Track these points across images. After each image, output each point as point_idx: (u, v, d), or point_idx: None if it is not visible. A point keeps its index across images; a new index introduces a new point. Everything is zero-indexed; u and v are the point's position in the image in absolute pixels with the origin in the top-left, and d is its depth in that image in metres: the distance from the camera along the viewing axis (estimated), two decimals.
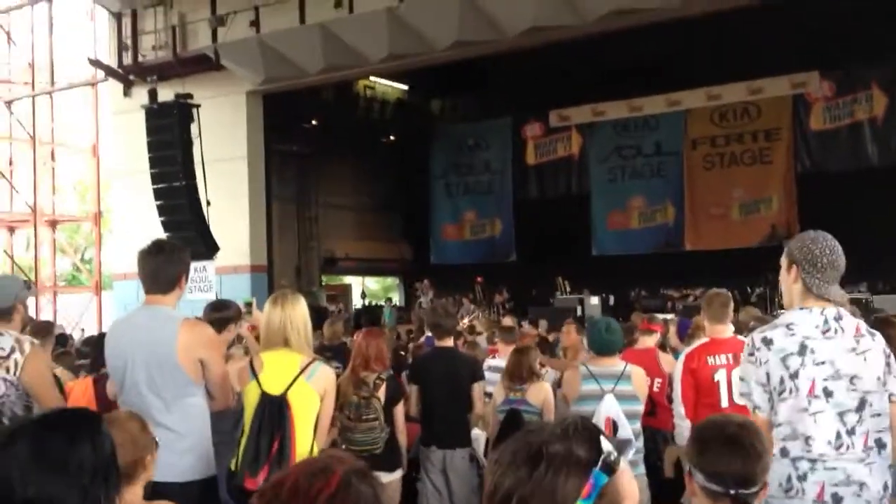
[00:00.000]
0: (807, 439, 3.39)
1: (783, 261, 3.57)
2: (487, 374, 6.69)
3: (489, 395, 6.49)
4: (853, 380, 3.35)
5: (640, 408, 5.29)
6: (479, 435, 6.38)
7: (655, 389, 5.95)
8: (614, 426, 5.03)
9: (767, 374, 3.47)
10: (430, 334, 9.06)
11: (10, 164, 22.04)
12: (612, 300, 19.36)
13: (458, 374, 6.22)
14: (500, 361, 7.11)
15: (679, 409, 5.24)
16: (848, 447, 3.34)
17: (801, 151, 20.81)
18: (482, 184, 25.32)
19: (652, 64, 19.61)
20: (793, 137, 20.87)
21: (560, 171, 23.97)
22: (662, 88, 20.70)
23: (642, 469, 5.26)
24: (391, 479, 5.86)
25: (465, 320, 14.32)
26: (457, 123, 26.05)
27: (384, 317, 20.13)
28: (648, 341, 6.71)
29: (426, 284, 21.55)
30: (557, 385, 6.37)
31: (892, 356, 3.42)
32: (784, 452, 3.47)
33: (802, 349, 3.41)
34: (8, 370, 4.06)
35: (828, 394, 3.37)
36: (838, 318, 3.43)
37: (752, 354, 3.54)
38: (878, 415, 3.36)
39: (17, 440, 2.02)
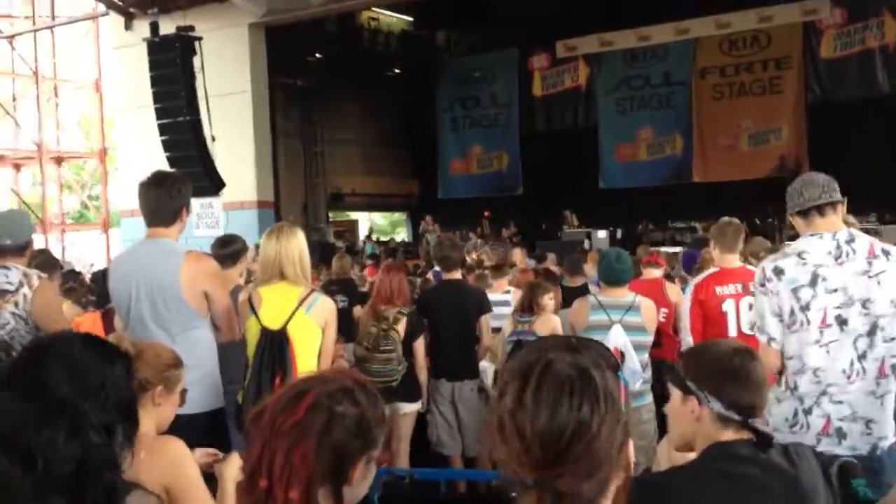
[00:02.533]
0: (815, 371, 3.36)
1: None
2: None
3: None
4: (865, 304, 3.31)
5: (649, 339, 5.30)
6: (487, 367, 6.43)
7: (661, 319, 5.95)
8: (622, 357, 5.05)
9: (779, 306, 3.43)
10: (437, 268, 9.09)
11: (14, 99, 21.91)
12: (619, 233, 19.34)
13: (465, 306, 6.25)
14: (496, 296, 7.09)
15: (687, 338, 5.25)
16: (859, 373, 3.32)
17: (811, 80, 20.51)
18: (488, 117, 25.11)
19: None
20: (803, 66, 20.56)
21: (567, 102, 23.69)
22: (671, 17, 20.38)
23: (649, 398, 5.29)
24: (409, 409, 5.94)
25: (473, 255, 14.33)
26: (462, 56, 25.72)
27: (364, 251, 20.08)
28: (655, 272, 6.71)
29: (429, 220, 21.53)
30: None
31: None
32: (793, 387, 3.46)
33: (814, 279, 3.36)
34: (17, 304, 4.06)
35: (841, 322, 3.33)
36: (850, 241, 3.38)
37: (763, 285, 3.50)
38: (893, 339, 3.31)
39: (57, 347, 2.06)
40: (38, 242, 16.19)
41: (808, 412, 3.38)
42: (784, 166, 20.22)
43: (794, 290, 3.40)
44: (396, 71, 24.79)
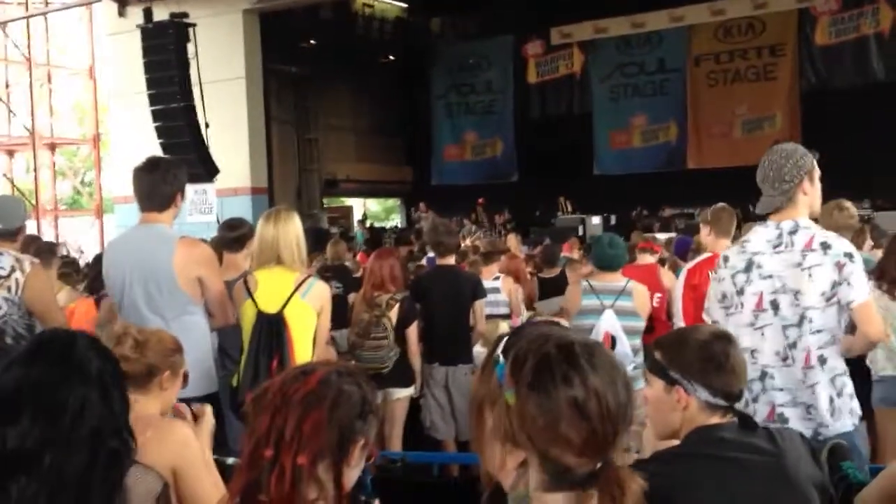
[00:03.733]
0: (752, 352, 3.45)
1: None
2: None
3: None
4: (797, 295, 3.40)
5: (641, 324, 5.31)
6: (480, 352, 6.44)
7: (655, 304, 5.96)
8: (613, 341, 5.07)
9: (722, 291, 3.60)
10: (431, 254, 9.09)
11: (7, 86, 21.82)
12: (613, 220, 19.36)
13: (459, 291, 6.25)
14: (486, 283, 7.09)
15: (680, 324, 5.28)
16: (788, 361, 3.43)
17: (806, 67, 20.53)
18: (483, 103, 25.08)
19: None
20: (798, 53, 20.57)
21: (562, 89, 23.68)
22: (665, 4, 20.37)
23: (642, 383, 5.29)
24: (402, 394, 5.96)
25: (468, 241, 14.33)
26: (457, 43, 25.66)
27: (357, 239, 20.06)
28: (649, 258, 6.73)
29: (422, 208, 21.54)
30: None
31: (849, 264, 3.35)
32: None
33: (749, 266, 3.51)
34: (9, 289, 4.07)
35: (775, 306, 3.45)
36: (793, 232, 3.46)
37: (714, 272, 3.71)
38: (820, 331, 3.39)
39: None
40: (31, 228, 16.15)
41: (755, 400, 3.49)
42: None
43: (733, 276, 3.56)
44: (391, 57, 24.73)
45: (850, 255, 3.38)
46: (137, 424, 2.66)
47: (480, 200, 21.88)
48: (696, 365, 2.37)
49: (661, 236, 11.32)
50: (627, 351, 5.11)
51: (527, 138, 23.63)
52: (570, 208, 20.25)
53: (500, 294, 7.17)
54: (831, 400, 3.41)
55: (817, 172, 3.55)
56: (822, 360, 3.40)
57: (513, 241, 11.78)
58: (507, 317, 7.15)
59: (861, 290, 3.37)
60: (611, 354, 1.45)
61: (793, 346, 3.41)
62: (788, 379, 3.43)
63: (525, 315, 7.81)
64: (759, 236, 3.55)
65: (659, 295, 6.14)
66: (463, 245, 11.53)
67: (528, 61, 23.91)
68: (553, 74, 23.68)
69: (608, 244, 5.42)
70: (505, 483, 1.55)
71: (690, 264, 5.51)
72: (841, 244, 3.42)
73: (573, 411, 1.39)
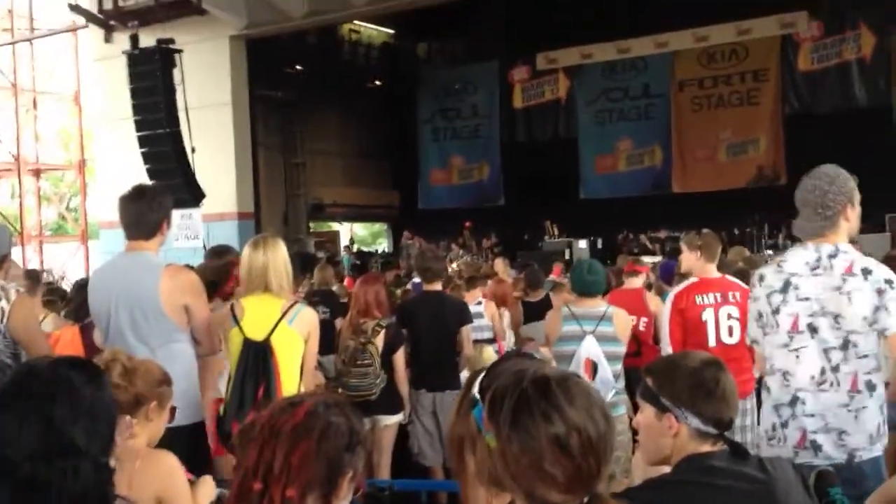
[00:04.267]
0: (784, 374, 3.42)
1: None
2: None
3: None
4: (837, 318, 3.34)
5: (622, 349, 5.30)
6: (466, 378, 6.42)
7: (642, 329, 5.99)
8: (594, 367, 5.07)
9: (758, 310, 3.54)
10: (417, 280, 9.09)
11: None
12: (599, 243, 19.42)
13: (446, 317, 6.26)
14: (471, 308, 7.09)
15: (667, 349, 5.27)
16: (832, 384, 3.35)
17: (788, 92, 20.72)
18: (469, 128, 25.17)
19: (640, 6, 19.44)
20: (780, 78, 20.76)
21: (547, 114, 23.81)
22: (650, 30, 20.54)
23: (623, 409, 5.28)
24: (391, 422, 5.93)
25: (454, 265, 14.34)
26: (443, 67, 25.79)
27: (343, 263, 20.00)
28: (636, 282, 6.74)
29: (407, 235, 21.56)
30: None
31: (889, 290, 3.31)
32: (768, 390, 3.51)
33: (786, 286, 3.44)
34: None
35: (812, 329, 3.38)
36: (833, 255, 3.41)
37: (751, 291, 3.65)
38: (866, 356, 3.33)
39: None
40: (16, 254, 16.06)
41: (784, 425, 3.42)
42: (762, 177, 20.43)
43: (769, 295, 3.49)
44: (377, 82, 24.83)
45: (890, 282, 3.33)
46: (124, 454, 2.65)
47: (467, 224, 21.92)
48: (687, 392, 2.37)
49: (647, 259, 11.37)
50: (609, 377, 5.10)
51: (513, 162, 23.71)
52: (556, 232, 20.29)
53: (483, 318, 7.17)
54: (878, 427, 3.35)
55: (858, 197, 3.53)
56: (871, 386, 3.34)
57: (500, 265, 11.75)
58: (491, 341, 7.15)
59: None
60: (586, 385, 1.44)
61: (836, 369, 3.35)
62: (823, 404, 3.35)
63: (510, 340, 7.82)
64: (798, 257, 3.49)
65: (645, 319, 6.15)
66: (449, 270, 11.54)
67: (514, 86, 24.05)
68: (539, 99, 23.81)
69: (587, 270, 5.43)
70: None
71: (678, 289, 5.52)
72: (882, 271, 3.37)
73: (555, 448, 1.38)
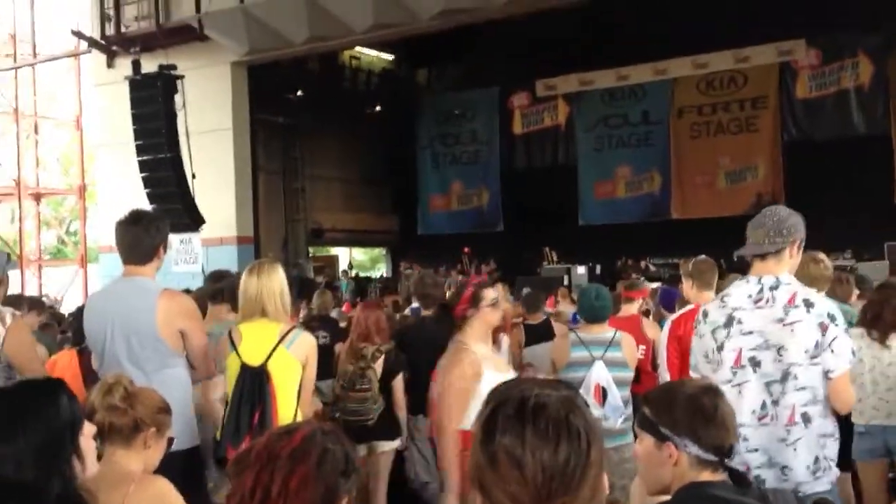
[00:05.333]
0: None
1: None
2: None
3: None
4: (780, 350, 3.36)
5: (630, 374, 5.31)
6: None
7: (640, 356, 5.97)
8: (604, 393, 5.06)
9: (705, 348, 3.56)
10: (415, 304, 9.07)
11: None
12: (598, 269, 19.40)
13: (444, 342, 6.23)
14: None
15: (665, 375, 5.27)
16: (772, 418, 3.36)
17: (787, 120, 20.78)
18: (469, 154, 25.23)
19: (639, 33, 19.54)
20: (779, 106, 20.83)
21: (547, 140, 23.88)
22: (649, 57, 20.64)
23: (631, 437, 5.24)
24: (388, 447, 5.91)
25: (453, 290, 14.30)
26: (443, 93, 25.91)
27: (341, 289, 19.99)
28: (632, 308, 6.73)
29: (405, 265, 21.59)
30: None
31: (832, 327, 3.32)
32: None
33: (729, 321, 3.47)
34: None
35: (755, 363, 3.40)
36: (774, 287, 3.44)
37: (695, 327, 3.65)
38: (804, 388, 3.34)
39: None
40: (15, 278, 16.06)
41: None
42: (761, 203, 20.38)
43: (713, 331, 3.51)
44: (377, 108, 24.91)
45: (832, 317, 3.35)
46: (118, 479, 2.65)
47: (466, 250, 21.92)
48: (685, 420, 2.37)
49: (653, 285, 11.37)
50: (619, 403, 5.08)
51: (512, 188, 23.75)
52: (555, 258, 20.29)
53: None
54: (816, 459, 3.35)
55: (802, 245, 3.57)
56: (807, 419, 3.35)
57: (500, 291, 11.74)
58: None
59: (843, 360, 3.34)
60: (572, 421, 1.45)
61: (776, 402, 3.36)
62: (765, 439, 3.36)
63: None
64: (740, 291, 3.52)
65: (643, 347, 6.14)
66: (448, 295, 11.51)
67: (513, 112, 24.14)
68: (538, 125, 23.89)
69: (594, 296, 5.43)
70: None
71: (675, 315, 5.53)
72: (823, 304, 3.40)
73: (509, 460, 1.42)
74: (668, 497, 2.37)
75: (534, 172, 23.57)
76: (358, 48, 22.58)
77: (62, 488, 2.05)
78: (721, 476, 2.34)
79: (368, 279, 23.68)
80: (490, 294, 4.16)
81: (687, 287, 5.62)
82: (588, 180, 23.20)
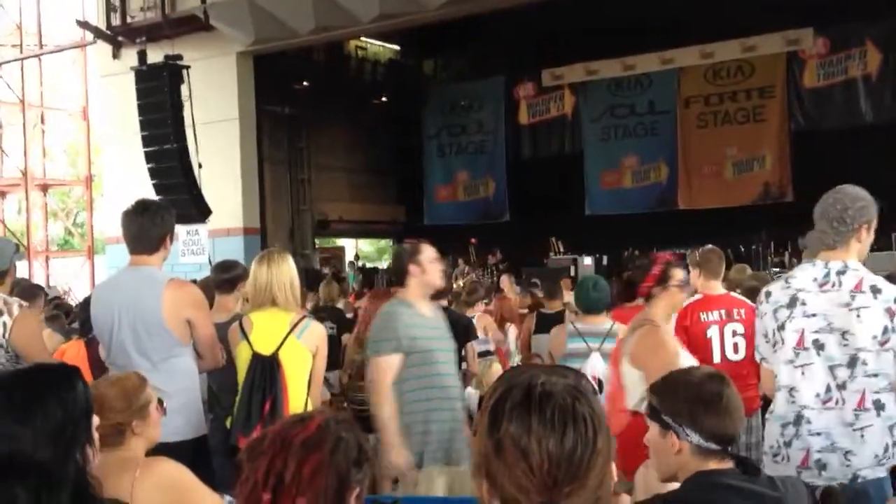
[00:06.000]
0: (790, 391, 3.37)
1: None
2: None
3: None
4: (845, 335, 3.30)
5: None
6: (472, 393, 6.41)
7: None
8: (599, 385, 5.04)
9: (766, 327, 3.51)
10: None
11: (0, 127, 21.89)
12: (605, 260, 19.38)
13: (451, 333, 6.23)
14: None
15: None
16: (837, 402, 3.31)
17: (794, 109, 20.69)
18: (475, 144, 25.18)
19: (645, 22, 19.46)
20: (786, 95, 20.74)
21: (553, 130, 23.82)
22: (656, 47, 20.56)
23: None
24: None
25: (460, 281, 14.34)
26: (449, 84, 25.85)
27: (348, 280, 20.00)
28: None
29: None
30: None
31: None
32: (772, 406, 3.49)
33: (793, 301, 3.41)
34: None
35: (818, 346, 3.34)
36: (841, 272, 3.38)
37: (757, 307, 3.62)
38: (875, 375, 3.28)
39: None
40: (23, 269, 16.11)
41: (788, 444, 3.39)
42: (768, 193, 20.40)
43: (775, 311, 3.46)
44: (383, 98, 24.88)
45: None
46: (124, 464, 2.66)
47: (472, 240, 21.91)
48: (686, 408, 2.37)
49: None
50: None
51: (518, 178, 23.70)
52: (561, 248, 20.27)
53: (482, 333, 7.19)
54: (886, 448, 3.30)
55: (875, 224, 3.52)
56: (879, 405, 3.29)
57: (506, 281, 11.75)
58: (489, 353, 7.15)
59: None
60: (579, 409, 1.44)
61: (842, 386, 3.31)
62: (829, 422, 3.32)
63: (516, 357, 7.79)
64: (806, 273, 3.46)
65: None
66: (455, 286, 11.53)
67: (519, 102, 24.07)
68: (544, 115, 23.83)
69: (592, 287, 5.42)
70: None
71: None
72: (891, 290, 3.34)
73: (515, 448, 1.41)
74: (677, 484, 2.37)
75: (540, 162, 23.51)
76: (364, 38, 22.53)
77: (76, 474, 2.06)
78: (727, 464, 2.33)
79: (375, 270, 23.67)
80: (679, 274, 4.09)
81: (694, 276, 5.60)
82: (594, 170, 23.14)
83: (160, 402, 3.03)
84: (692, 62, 21.07)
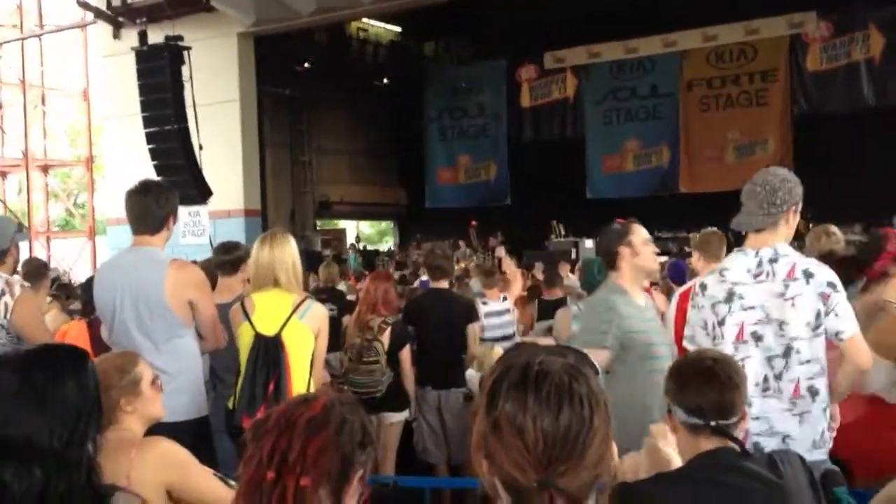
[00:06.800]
0: None
1: None
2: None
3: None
4: (781, 325, 3.35)
5: None
6: (473, 375, 6.43)
7: None
8: None
9: (704, 320, 3.54)
10: (424, 278, 9.09)
11: (1, 108, 21.84)
12: None
13: (453, 315, 6.26)
14: (494, 305, 7.16)
15: (673, 347, 5.26)
16: (776, 391, 3.36)
17: (797, 93, 20.65)
18: (476, 127, 25.16)
19: (648, 4, 19.40)
20: (789, 79, 20.70)
21: (555, 113, 23.77)
22: (658, 29, 20.49)
23: None
24: (396, 419, 5.94)
25: (462, 263, 14.33)
26: (451, 66, 25.80)
27: (349, 262, 20.00)
28: None
29: (413, 246, 21.60)
30: None
31: (834, 294, 3.31)
32: None
33: (730, 296, 3.45)
34: None
35: (757, 338, 3.39)
36: (773, 260, 3.41)
37: (692, 299, 3.64)
38: (808, 361, 3.33)
39: None
40: (23, 250, 16.09)
41: None
42: None
43: (713, 306, 3.49)
44: (385, 81, 24.82)
45: (833, 285, 3.33)
46: (121, 444, 2.66)
47: (473, 223, 21.90)
48: (671, 387, 2.48)
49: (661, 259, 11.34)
50: None
51: (520, 162, 23.68)
52: (563, 232, 20.25)
53: (509, 315, 7.19)
54: (822, 432, 3.37)
55: (800, 205, 3.53)
56: (813, 391, 3.35)
57: (508, 263, 11.74)
58: (510, 337, 7.15)
59: (849, 321, 3.32)
60: (575, 388, 1.44)
61: (778, 377, 3.36)
62: (766, 408, 3.37)
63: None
64: (739, 265, 3.49)
65: None
66: (457, 268, 11.53)
67: (521, 85, 24.01)
68: (546, 98, 23.77)
69: (597, 270, 5.42)
70: None
71: (683, 288, 5.51)
72: (823, 273, 3.37)
73: (511, 426, 1.42)
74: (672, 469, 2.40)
75: (541, 145, 23.48)
76: (365, 20, 22.48)
77: (87, 458, 2.07)
78: (717, 442, 2.36)
79: (376, 252, 23.68)
80: None
81: (695, 259, 5.61)
82: (596, 154, 23.12)
83: (156, 377, 3.01)
84: (695, 45, 21.03)
